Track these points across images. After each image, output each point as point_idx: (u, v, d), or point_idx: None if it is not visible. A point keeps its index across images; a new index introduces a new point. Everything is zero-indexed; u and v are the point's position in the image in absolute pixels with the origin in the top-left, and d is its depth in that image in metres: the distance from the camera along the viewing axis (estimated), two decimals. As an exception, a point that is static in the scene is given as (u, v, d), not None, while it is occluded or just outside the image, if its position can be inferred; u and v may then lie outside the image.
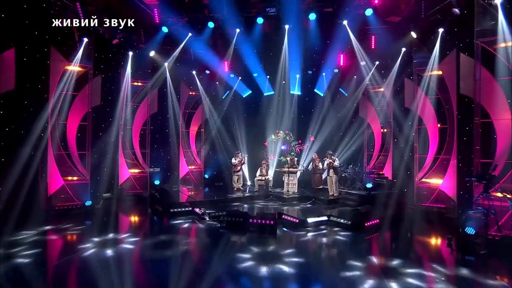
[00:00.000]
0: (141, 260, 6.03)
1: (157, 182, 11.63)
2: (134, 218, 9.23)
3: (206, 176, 13.43)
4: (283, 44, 10.96)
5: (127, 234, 7.29)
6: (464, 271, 5.34)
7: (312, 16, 9.24)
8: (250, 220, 7.83)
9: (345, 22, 9.37)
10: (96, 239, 6.69)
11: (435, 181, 9.20)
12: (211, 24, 9.86)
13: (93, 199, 9.54)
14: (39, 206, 8.31)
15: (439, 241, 7.08)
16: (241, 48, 11.24)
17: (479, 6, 6.99)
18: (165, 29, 9.96)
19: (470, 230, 6.13)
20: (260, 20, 9.49)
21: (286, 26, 10.09)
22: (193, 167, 13.55)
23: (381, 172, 11.35)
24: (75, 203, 9.34)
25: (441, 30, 8.42)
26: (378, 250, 6.68)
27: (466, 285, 4.91)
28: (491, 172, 6.44)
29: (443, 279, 4.85)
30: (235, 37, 10.49)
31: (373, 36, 10.47)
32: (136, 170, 11.68)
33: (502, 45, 6.90)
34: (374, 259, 5.87)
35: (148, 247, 6.59)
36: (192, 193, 11.73)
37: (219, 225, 7.96)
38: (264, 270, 5.30)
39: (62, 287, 4.89)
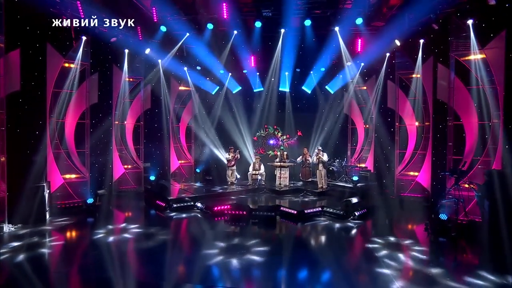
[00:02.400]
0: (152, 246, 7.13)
1: (152, 178, 12.32)
2: (141, 213, 10.09)
3: (198, 170, 14.25)
4: (277, 44, 11.91)
5: (137, 225, 8.28)
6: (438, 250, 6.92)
7: (307, 22, 10.31)
8: (252, 213, 8.97)
9: (336, 29, 10.54)
10: (110, 227, 8.11)
11: (413, 174, 10.83)
12: (210, 26, 10.60)
13: (93, 196, 10.13)
14: (44, 204, 8.82)
15: (417, 225, 8.64)
16: (235, 47, 12.08)
17: (454, 24, 8.49)
18: (163, 28, 10.57)
19: (443, 216, 7.70)
20: (258, 24, 10.39)
21: (282, 30, 11.06)
22: (183, 161, 14.32)
23: (363, 165, 12.85)
24: (76, 200, 9.82)
25: (421, 40, 9.89)
26: (371, 233, 8.20)
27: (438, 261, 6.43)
28: (461, 168, 8.02)
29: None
30: (232, 38, 11.32)
31: (359, 39, 11.77)
32: (130, 166, 12.32)
33: (472, 57, 8.44)
34: (370, 240, 7.40)
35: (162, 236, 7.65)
36: (186, 187, 12.59)
37: (222, 218, 9.01)
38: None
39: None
